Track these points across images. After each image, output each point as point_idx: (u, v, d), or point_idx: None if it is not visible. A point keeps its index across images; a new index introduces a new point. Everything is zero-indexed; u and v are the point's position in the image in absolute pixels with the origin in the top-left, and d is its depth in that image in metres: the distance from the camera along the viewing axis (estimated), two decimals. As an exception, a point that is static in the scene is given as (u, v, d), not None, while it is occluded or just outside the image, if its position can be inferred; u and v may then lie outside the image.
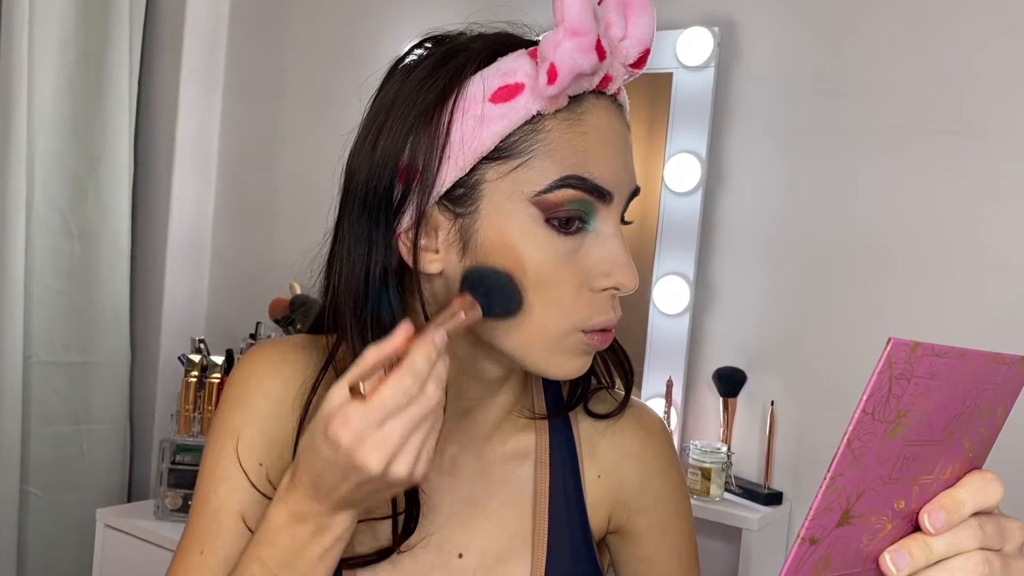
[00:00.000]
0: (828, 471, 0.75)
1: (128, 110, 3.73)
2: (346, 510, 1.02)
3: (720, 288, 2.80)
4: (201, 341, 3.24)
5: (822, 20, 2.67)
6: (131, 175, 3.77)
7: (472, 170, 1.06)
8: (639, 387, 2.83)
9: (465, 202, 1.07)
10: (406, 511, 1.16)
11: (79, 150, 3.63)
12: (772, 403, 2.67)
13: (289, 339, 1.28)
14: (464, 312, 1.01)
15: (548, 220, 1.05)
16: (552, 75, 1.02)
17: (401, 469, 0.95)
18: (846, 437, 0.74)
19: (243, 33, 3.91)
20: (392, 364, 0.95)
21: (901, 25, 2.55)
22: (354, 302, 1.11)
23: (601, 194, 1.06)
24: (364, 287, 1.10)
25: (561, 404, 1.30)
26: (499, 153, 1.05)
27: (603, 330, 1.10)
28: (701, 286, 2.81)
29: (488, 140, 1.05)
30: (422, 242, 1.09)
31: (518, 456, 1.26)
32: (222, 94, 3.94)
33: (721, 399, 2.73)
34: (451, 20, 1.22)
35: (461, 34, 1.15)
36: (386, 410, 0.93)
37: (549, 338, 1.08)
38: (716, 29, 2.76)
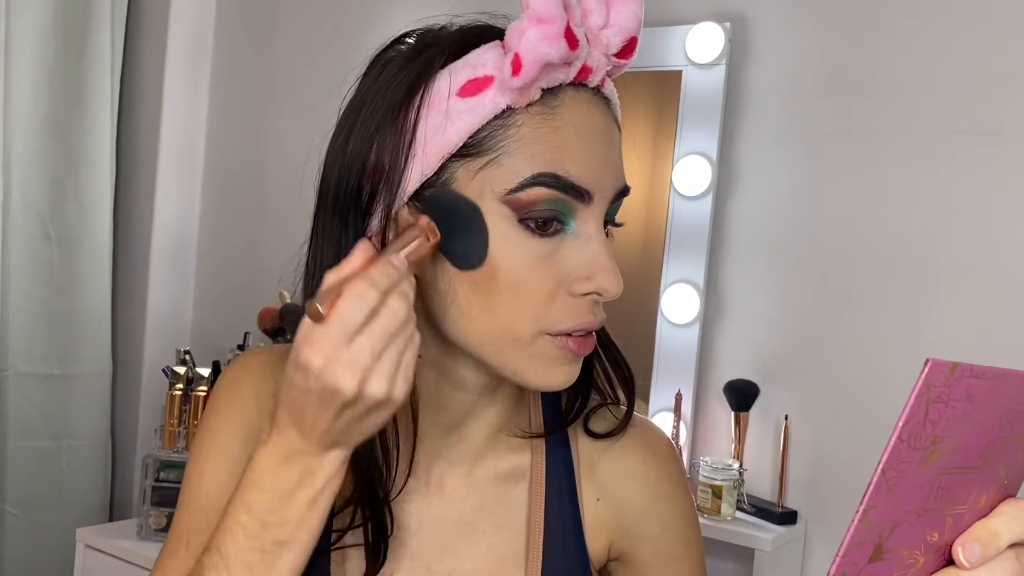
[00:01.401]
0: (860, 504, 0.73)
1: (110, 107, 3.74)
2: (333, 449, 1.01)
3: (731, 297, 2.80)
4: (186, 352, 3.24)
5: (840, 15, 2.67)
6: (113, 176, 3.77)
7: (441, 169, 1.05)
8: (646, 401, 2.83)
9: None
10: (373, 536, 1.15)
11: (58, 150, 3.63)
12: (786, 417, 2.68)
13: (281, 346, 1.28)
14: (424, 236, 1.02)
15: (522, 220, 1.04)
16: (516, 66, 1.01)
17: (377, 387, 0.96)
18: (880, 467, 0.72)
19: (231, 27, 3.91)
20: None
21: (924, 19, 2.55)
22: None
23: (578, 193, 1.05)
24: None
25: (559, 421, 1.28)
26: (468, 150, 1.05)
27: (585, 335, 1.09)
28: (711, 295, 2.81)
29: (455, 136, 1.04)
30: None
31: (512, 476, 1.25)
32: (209, 91, 3.95)
33: (733, 413, 2.73)
34: (447, 14, 1.22)
35: (443, 28, 1.14)
36: (349, 325, 0.94)
37: (516, 342, 1.07)
38: (727, 24, 2.76)
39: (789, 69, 2.74)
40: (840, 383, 2.63)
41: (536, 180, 1.03)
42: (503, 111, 1.05)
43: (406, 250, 1.00)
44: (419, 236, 1.02)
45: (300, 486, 1.02)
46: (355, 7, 3.57)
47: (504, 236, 1.05)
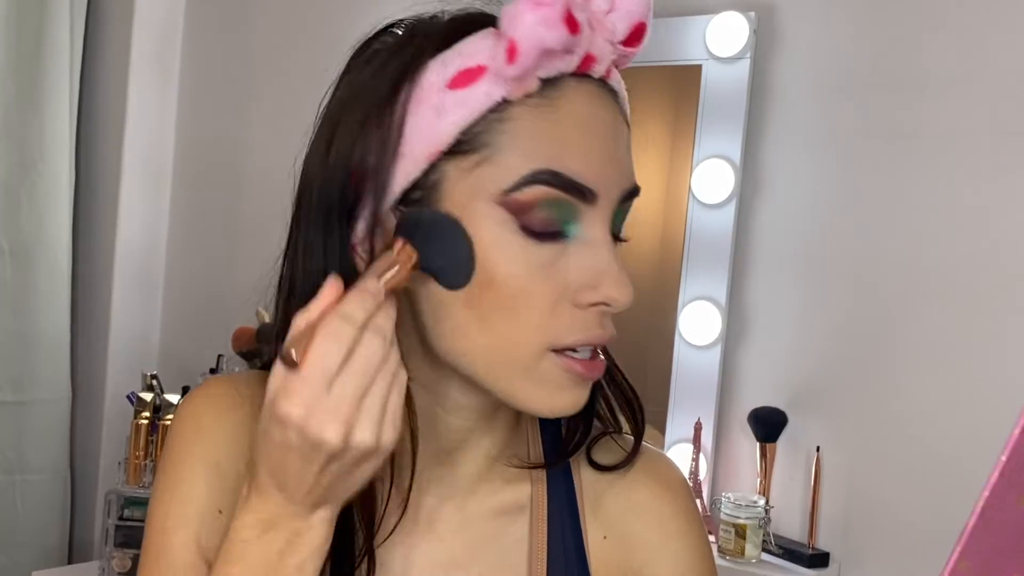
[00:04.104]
0: (956, 546, 0.73)
1: (68, 108, 3.74)
2: (321, 508, 1.01)
3: (756, 315, 2.79)
4: (153, 377, 3.23)
5: (876, 3, 2.66)
6: (72, 184, 3.77)
7: (431, 168, 1.05)
8: (662, 430, 2.83)
9: (424, 206, 1.06)
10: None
11: (11, 155, 3.63)
12: (817, 449, 2.66)
13: (243, 374, 1.27)
14: (400, 260, 1.01)
15: (522, 225, 1.04)
16: (512, 52, 1.01)
17: (365, 436, 0.96)
18: (980, 506, 0.72)
19: (202, 20, 3.91)
20: None
21: (969, 8, 2.54)
22: None
23: (581, 192, 1.04)
24: None
25: (560, 451, 1.26)
26: (460, 147, 1.04)
27: (592, 357, 1.08)
28: (734, 313, 2.80)
29: (445, 132, 1.04)
30: (378, 252, 1.08)
31: (509, 511, 1.23)
32: (178, 90, 3.94)
33: (758, 444, 2.72)
34: (440, 3, 1.21)
35: (435, 17, 1.14)
36: (327, 368, 0.94)
37: (518, 360, 1.06)
38: (752, 14, 2.76)
39: (821, 63, 2.73)
40: (877, 412, 2.62)
41: (534, 178, 1.03)
42: (498, 104, 1.04)
43: (385, 277, 0.99)
44: (396, 261, 1.01)
45: (287, 553, 1.02)
46: (340, -4, 3.58)
47: (500, 243, 1.04)
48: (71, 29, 3.72)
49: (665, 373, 2.82)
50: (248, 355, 3.29)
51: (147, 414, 3.11)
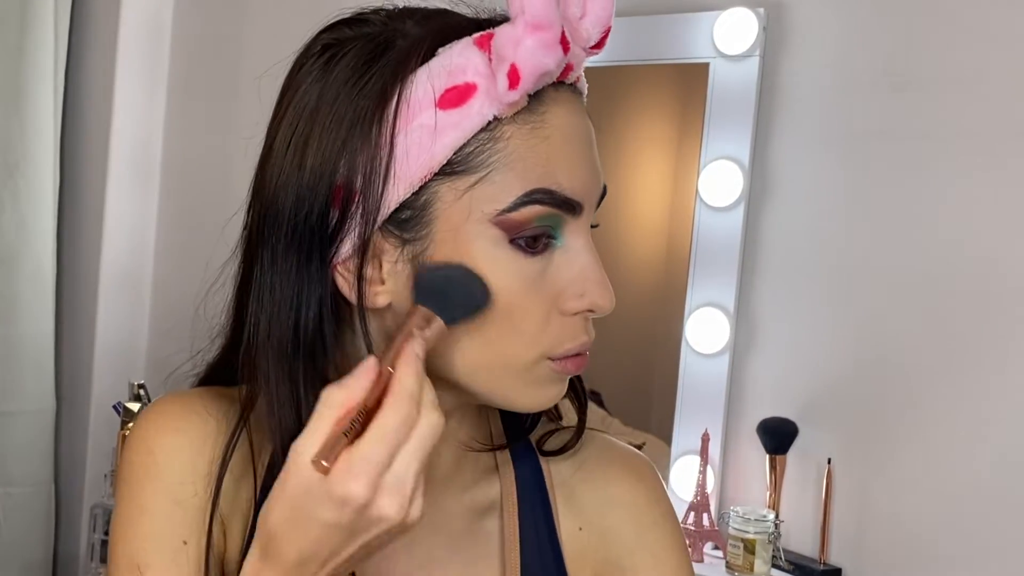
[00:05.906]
0: None
1: (53, 107, 3.73)
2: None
3: (766, 323, 2.79)
4: (140, 386, 3.23)
5: (889, -1, 2.66)
6: (57, 186, 3.76)
7: (421, 188, 1.07)
8: (668, 442, 2.82)
9: (413, 226, 1.08)
10: None
11: (-7, 156, 3.62)
12: (829, 461, 2.66)
13: (194, 391, 1.32)
14: (423, 329, 1.04)
15: (513, 241, 1.07)
16: (514, 79, 1.03)
17: (415, 510, 0.99)
18: None
19: (192, 14, 3.91)
20: (365, 410, 0.99)
21: (985, 6, 2.52)
22: (279, 355, 1.12)
23: (571, 206, 1.09)
24: (293, 335, 1.11)
25: (520, 431, 1.31)
26: (452, 168, 1.06)
27: (577, 354, 1.13)
28: (743, 320, 2.80)
29: (440, 153, 1.06)
30: (366, 273, 1.10)
31: (482, 506, 1.27)
32: (167, 88, 3.94)
33: (767, 456, 2.71)
34: (439, -1, 1.22)
35: (379, 11, 1.17)
36: (392, 446, 0.97)
37: (516, 370, 1.11)
38: (762, 11, 2.75)
39: (833, 61, 2.72)
40: (891, 423, 2.61)
41: (531, 198, 1.06)
42: (489, 123, 1.07)
43: (417, 348, 1.02)
44: (417, 331, 1.04)
45: None
46: (334, -8, 3.57)
47: (496, 261, 1.07)
48: (55, 25, 3.71)
49: (671, 382, 2.82)
50: (239, 364, 3.28)
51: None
